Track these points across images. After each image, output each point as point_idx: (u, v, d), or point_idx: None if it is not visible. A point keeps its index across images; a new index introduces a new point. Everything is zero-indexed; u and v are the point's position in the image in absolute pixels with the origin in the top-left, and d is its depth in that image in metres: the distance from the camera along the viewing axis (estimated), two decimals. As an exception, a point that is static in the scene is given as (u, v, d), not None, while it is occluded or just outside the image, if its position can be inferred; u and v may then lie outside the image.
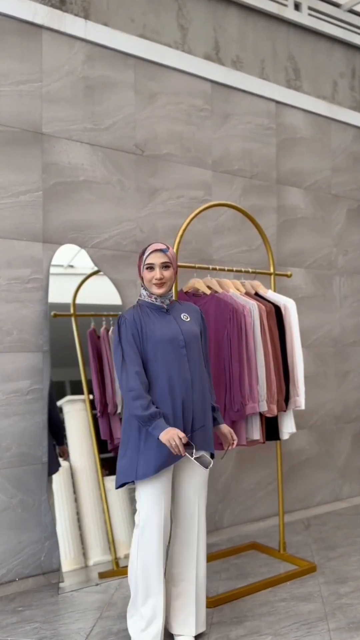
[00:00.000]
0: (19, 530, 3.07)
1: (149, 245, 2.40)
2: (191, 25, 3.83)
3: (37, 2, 3.20)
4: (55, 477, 3.09)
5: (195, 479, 2.40)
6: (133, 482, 2.33)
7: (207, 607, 2.73)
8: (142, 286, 2.44)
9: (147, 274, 2.36)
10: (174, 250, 3.01)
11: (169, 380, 2.29)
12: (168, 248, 2.39)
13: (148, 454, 2.26)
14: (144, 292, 2.43)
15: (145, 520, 2.31)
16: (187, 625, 2.42)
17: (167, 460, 2.26)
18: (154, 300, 2.40)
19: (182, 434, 2.19)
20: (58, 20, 3.25)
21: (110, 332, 3.32)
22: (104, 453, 3.24)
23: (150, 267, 2.35)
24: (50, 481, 3.10)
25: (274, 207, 4.19)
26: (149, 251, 2.37)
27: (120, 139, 3.50)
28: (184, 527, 2.42)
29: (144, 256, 2.37)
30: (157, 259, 2.35)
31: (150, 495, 2.30)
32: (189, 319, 2.41)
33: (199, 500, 2.42)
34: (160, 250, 2.36)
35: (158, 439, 2.21)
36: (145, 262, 2.36)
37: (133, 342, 2.29)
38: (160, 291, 2.36)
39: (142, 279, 2.40)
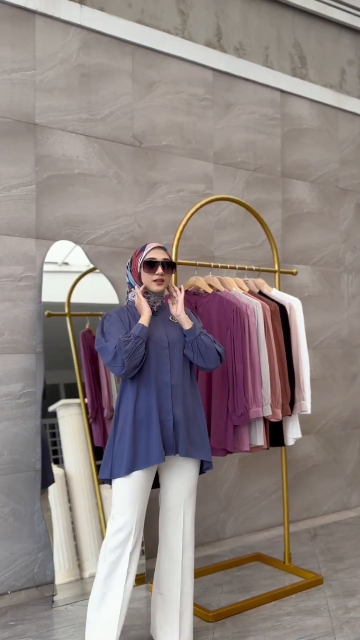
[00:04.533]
0: (11, 541, 3.04)
1: (144, 245, 2.43)
2: (192, 11, 3.81)
3: (29, -14, 3.20)
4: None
5: (179, 487, 2.41)
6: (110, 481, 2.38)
7: (208, 621, 2.73)
8: (129, 291, 2.46)
9: (146, 273, 2.36)
10: (174, 246, 3.03)
11: (152, 382, 2.33)
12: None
13: (121, 454, 2.30)
14: (130, 296, 2.45)
15: (117, 523, 2.31)
16: (171, 637, 2.44)
17: (137, 462, 2.28)
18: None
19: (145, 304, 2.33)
20: (52, 5, 3.22)
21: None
22: (100, 459, 3.18)
23: (151, 264, 2.35)
24: (46, 493, 3.05)
25: (279, 202, 4.15)
26: (150, 247, 2.39)
27: (117, 130, 3.46)
28: (167, 539, 2.42)
29: (143, 253, 2.39)
30: (158, 255, 2.38)
31: (123, 499, 2.31)
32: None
33: (185, 510, 2.41)
34: (161, 247, 2.41)
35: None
36: (146, 257, 2.36)
37: (117, 333, 2.29)
38: (159, 288, 2.37)
39: (136, 279, 2.42)
